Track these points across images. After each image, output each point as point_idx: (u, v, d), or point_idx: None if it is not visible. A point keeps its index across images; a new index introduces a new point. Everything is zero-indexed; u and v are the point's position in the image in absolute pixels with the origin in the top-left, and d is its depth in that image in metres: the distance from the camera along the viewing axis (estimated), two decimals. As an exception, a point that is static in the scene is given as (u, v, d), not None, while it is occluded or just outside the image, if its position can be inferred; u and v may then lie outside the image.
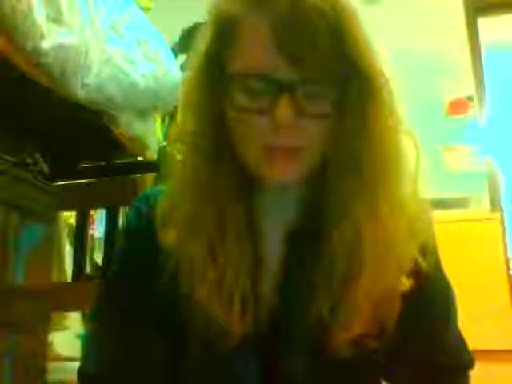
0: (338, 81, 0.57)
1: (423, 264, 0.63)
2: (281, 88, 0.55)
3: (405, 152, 0.62)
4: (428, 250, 0.64)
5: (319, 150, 0.60)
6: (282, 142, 0.57)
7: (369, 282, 0.59)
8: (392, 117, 0.60)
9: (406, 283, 0.62)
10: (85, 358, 0.71)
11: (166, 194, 0.66)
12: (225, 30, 0.59)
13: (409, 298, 0.62)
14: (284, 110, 0.55)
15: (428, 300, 0.68)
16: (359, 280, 0.59)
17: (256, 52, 0.56)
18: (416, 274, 0.62)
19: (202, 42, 0.62)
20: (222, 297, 0.60)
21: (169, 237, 0.63)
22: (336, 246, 0.60)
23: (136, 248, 0.69)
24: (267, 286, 0.64)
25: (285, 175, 0.60)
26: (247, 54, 0.57)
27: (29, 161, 1.23)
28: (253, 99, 0.57)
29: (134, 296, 0.68)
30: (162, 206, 0.65)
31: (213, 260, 0.61)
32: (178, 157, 0.65)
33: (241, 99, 0.58)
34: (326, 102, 0.57)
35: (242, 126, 0.59)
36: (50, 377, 1.32)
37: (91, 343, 0.71)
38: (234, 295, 0.60)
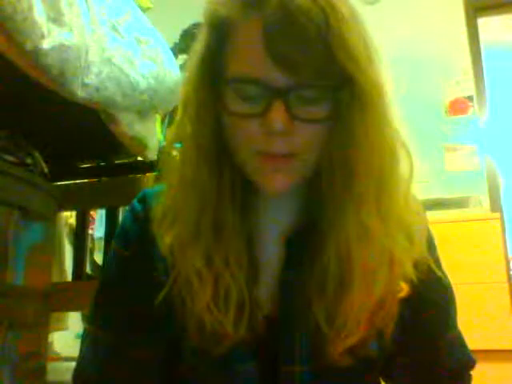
0: (331, 87, 0.56)
1: (423, 266, 0.63)
2: (273, 93, 0.55)
3: (400, 159, 0.60)
4: (428, 251, 0.64)
5: (313, 156, 0.59)
6: (275, 148, 0.57)
7: (361, 295, 0.59)
8: (385, 125, 0.59)
9: (405, 288, 0.61)
10: (81, 358, 0.71)
11: (162, 195, 0.66)
12: (218, 34, 0.59)
13: (409, 299, 0.62)
14: (276, 115, 0.54)
15: (428, 301, 0.68)
16: (351, 293, 0.59)
17: (248, 57, 0.56)
18: (416, 276, 0.62)
19: (198, 44, 0.62)
20: (218, 301, 0.60)
21: (165, 239, 0.63)
22: (327, 257, 0.60)
23: (130, 250, 0.69)
24: (265, 289, 0.64)
25: (277, 189, 0.59)
26: (239, 59, 0.57)
27: (29, 161, 1.23)
28: (246, 104, 0.57)
29: (130, 299, 0.68)
30: (158, 208, 0.65)
31: (209, 263, 0.61)
32: (176, 158, 0.65)
33: (234, 104, 0.57)
34: (319, 107, 0.56)
35: (236, 131, 0.59)
36: (50, 377, 1.32)
37: (87, 345, 0.70)
38: (230, 299, 0.60)
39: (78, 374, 0.70)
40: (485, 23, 3.36)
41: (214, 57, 0.60)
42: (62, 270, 1.93)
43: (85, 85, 1.12)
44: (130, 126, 1.36)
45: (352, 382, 0.65)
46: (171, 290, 0.62)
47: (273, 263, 0.65)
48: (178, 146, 0.66)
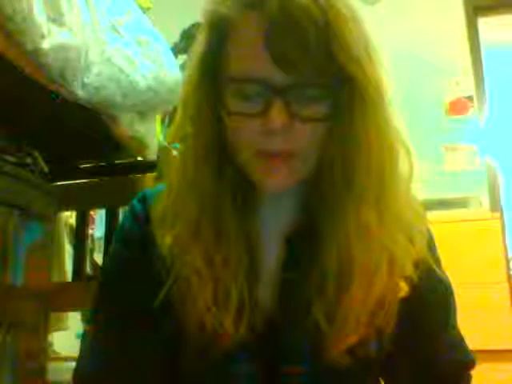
0: (331, 86, 0.56)
1: (423, 266, 0.63)
2: (273, 92, 0.55)
3: (400, 159, 0.60)
4: (428, 251, 0.64)
5: (314, 155, 0.59)
6: (275, 147, 0.57)
7: (361, 294, 0.59)
8: (385, 124, 0.59)
9: (404, 288, 0.62)
10: (81, 358, 0.71)
11: (163, 195, 0.66)
12: (218, 34, 0.59)
13: (409, 299, 0.62)
14: (276, 113, 0.55)
15: (428, 301, 0.68)
16: (351, 292, 0.59)
17: (247, 56, 0.56)
18: (416, 276, 0.62)
19: (198, 44, 0.62)
20: (218, 301, 0.60)
21: (165, 239, 0.63)
22: (327, 256, 0.60)
23: (130, 250, 0.69)
24: (265, 289, 0.64)
25: (277, 188, 0.60)
26: (239, 59, 0.57)
27: (29, 161, 1.23)
28: (246, 104, 0.57)
29: (130, 299, 0.67)
30: (158, 208, 0.65)
31: (209, 263, 0.61)
32: (176, 158, 0.65)
33: (234, 103, 0.58)
34: (318, 106, 0.57)
35: (236, 130, 0.59)
36: (50, 377, 1.32)
37: (88, 344, 0.70)
38: (230, 299, 0.60)
39: (77, 373, 0.70)
40: (485, 23, 3.36)
41: (213, 56, 0.60)
42: (62, 270, 1.93)
43: (85, 85, 1.12)
44: (130, 125, 1.36)
45: (352, 382, 0.65)
46: (171, 289, 0.62)
47: (273, 263, 0.65)
48: (177, 146, 0.66)
